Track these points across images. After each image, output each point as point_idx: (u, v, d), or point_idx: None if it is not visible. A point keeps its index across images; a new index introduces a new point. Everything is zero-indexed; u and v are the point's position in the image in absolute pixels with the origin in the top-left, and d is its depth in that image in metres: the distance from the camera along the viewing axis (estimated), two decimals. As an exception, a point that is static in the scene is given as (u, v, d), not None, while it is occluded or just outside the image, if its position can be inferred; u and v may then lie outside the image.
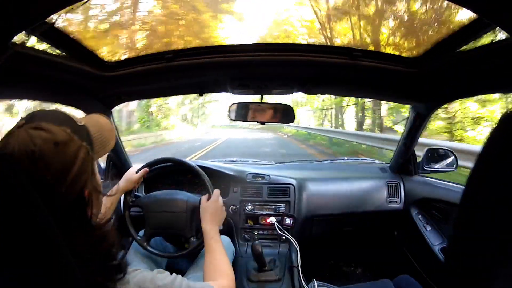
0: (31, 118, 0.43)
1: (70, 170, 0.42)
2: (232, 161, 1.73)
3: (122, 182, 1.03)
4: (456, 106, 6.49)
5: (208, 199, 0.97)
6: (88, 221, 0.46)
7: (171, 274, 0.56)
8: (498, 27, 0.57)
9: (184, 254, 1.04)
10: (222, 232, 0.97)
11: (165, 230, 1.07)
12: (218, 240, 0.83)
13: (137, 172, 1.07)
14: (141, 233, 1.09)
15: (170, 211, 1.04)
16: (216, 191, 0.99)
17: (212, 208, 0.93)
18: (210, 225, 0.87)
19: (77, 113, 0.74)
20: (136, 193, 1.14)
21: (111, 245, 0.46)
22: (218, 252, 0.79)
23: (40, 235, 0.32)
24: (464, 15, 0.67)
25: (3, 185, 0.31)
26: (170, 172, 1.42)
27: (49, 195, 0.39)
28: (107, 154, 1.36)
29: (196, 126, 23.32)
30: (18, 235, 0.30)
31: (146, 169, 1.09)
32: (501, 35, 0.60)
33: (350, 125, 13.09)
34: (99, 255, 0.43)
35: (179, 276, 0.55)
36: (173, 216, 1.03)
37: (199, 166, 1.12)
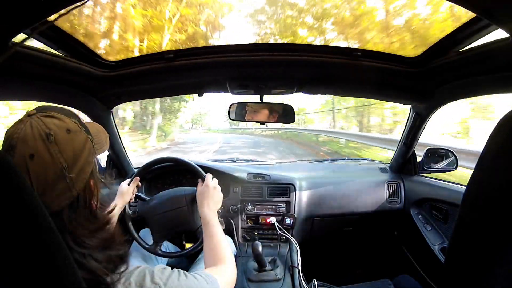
0: (41, 109, 0.45)
1: (80, 157, 0.44)
2: (232, 160, 1.73)
3: (118, 199, 1.01)
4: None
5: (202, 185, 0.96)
6: (93, 210, 0.48)
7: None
8: (498, 27, 0.57)
9: (189, 251, 1.04)
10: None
11: (172, 230, 1.06)
12: (215, 224, 0.81)
13: (129, 184, 1.05)
14: (150, 241, 1.08)
15: (171, 209, 1.03)
16: (208, 175, 0.98)
17: (206, 192, 0.92)
18: (207, 209, 0.86)
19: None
20: (137, 193, 1.15)
21: (112, 235, 0.47)
22: (216, 237, 0.77)
23: (39, 234, 0.32)
24: (464, 15, 0.67)
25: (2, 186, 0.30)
26: (170, 172, 1.42)
27: (61, 178, 0.41)
28: (107, 154, 1.36)
29: (149, 133, 11.13)
30: (16, 235, 0.30)
31: (137, 177, 1.07)
32: (501, 35, 0.60)
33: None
34: (101, 244, 0.44)
35: (180, 270, 0.54)
36: (175, 213, 1.03)
37: (199, 165, 1.12)
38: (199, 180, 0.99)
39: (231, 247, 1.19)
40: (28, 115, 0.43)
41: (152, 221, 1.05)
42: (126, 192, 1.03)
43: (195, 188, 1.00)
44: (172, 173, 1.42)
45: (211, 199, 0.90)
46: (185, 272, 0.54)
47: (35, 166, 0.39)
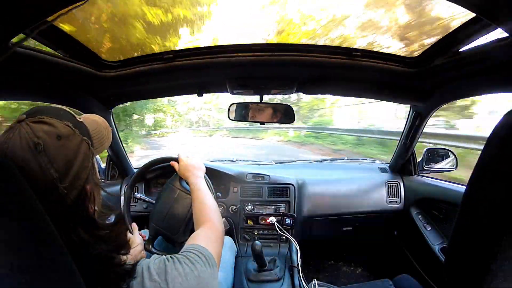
0: (32, 113, 0.42)
1: (73, 164, 0.42)
2: (232, 161, 1.73)
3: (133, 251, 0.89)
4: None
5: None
6: (91, 218, 0.45)
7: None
8: (498, 27, 0.57)
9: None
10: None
11: (185, 221, 1.02)
12: (200, 188, 0.85)
13: (132, 233, 0.99)
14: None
15: (171, 203, 1.03)
16: (179, 153, 1.02)
17: (184, 165, 0.96)
18: (193, 178, 0.90)
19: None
20: (136, 193, 1.15)
21: (117, 247, 0.45)
22: (200, 201, 0.80)
23: (42, 241, 0.31)
24: (464, 15, 0.67)
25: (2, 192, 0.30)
26: (170, 172, 1.42)
27: (52, 190, 0.39)
28: (107, 154, 1.36)
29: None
30: (16, 238, 0.30)
31: (134, 224, 1.02)
32: (501, 35, 0.60)
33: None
34: (103, 256, 0.42)
35: (174, 257, 0.51)
36: (176, 204, 1.02)
37: None
38: (174, 163, 1.01)
39: (233, 247, 1.18)
40: (18, 121, 0.41)
41: (165, 227, 1.04)
42: (135, 241, 0.93)
43: (175, 172, 1.03)
44: (171, 173, 1.42)
45: (191, 167, 0.94)
46: (178, 258, 0.51)
47: (25, 178, 0.36)
